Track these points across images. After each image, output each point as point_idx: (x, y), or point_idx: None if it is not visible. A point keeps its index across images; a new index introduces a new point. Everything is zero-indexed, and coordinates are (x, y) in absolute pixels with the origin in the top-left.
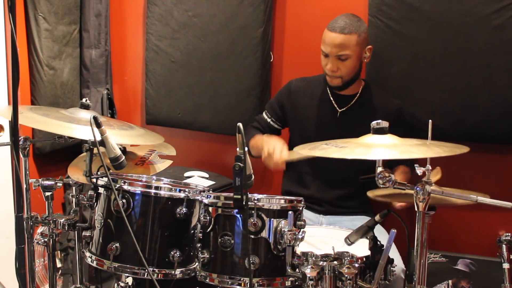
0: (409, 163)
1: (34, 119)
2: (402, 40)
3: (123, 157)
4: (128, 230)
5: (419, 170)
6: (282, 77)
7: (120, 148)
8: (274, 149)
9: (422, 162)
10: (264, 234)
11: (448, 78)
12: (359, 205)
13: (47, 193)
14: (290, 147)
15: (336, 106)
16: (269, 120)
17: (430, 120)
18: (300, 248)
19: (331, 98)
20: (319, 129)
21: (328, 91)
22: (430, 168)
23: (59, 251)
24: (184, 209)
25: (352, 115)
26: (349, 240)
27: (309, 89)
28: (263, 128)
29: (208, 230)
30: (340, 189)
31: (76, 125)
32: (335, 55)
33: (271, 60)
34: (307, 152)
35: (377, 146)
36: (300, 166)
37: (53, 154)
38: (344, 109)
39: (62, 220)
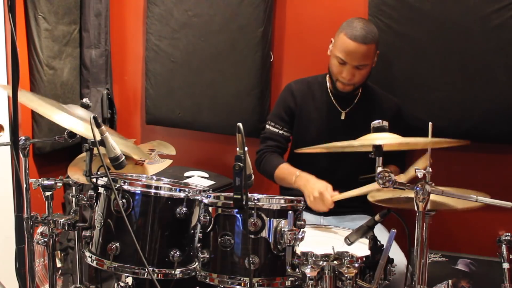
0: (400, 163)
1: (35, 102)
2: (402, 40)
3: (123, 157)
4: (128, 230)
5: (419, 173)
6: (282, 77)
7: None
8: (321, 192)
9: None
10: (264, 234)
11: (448, 78)
12: (360, 204)
13: (47, 193)
14: (290, 151)
15: (338, 107)
16: (281, 132)
17: (430, 123)
18: (300, 248)
19: (333, 100)
20: (323, 132)
21: (329, 92)
22: (431, 170)
23: (59, 251)
24: (184, 209)
25: (356, 115)
26: (349, 240)
27: (310, 91)
28: (277, 142)
29: (208, 230)
30: (340, 189)
31: (76, 119)
32: (355, 64)
33: (271, 60)
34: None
35: (379, 139)
36: (299, 168)
37: (53, 154)
38: (347, 110)
39: (62, 220)
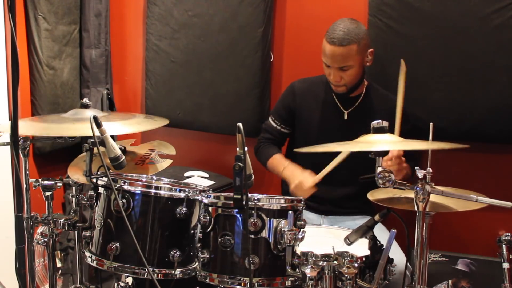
0: (412, 163)
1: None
2: (402, 40)
3: (123, 157)
4: (128, 230)
5: (420, 173)
6: (282, 77)
7: (120, 148)
8: (300, 182)
9: (423, 164)
10: (264, 234)
11: (448, 78)
12: (361, 205)
13: (47, 193)
14: (292, 150)
15: (341, 108)
16: (278, 127)
17: (431, 123)
18: (300, 248)
19: (336, 100)
20: (325, 131)
21: (333, 92)
22: (431, 171)
23: (59, 251)
24: (184, 209)
25: (358, 116)
26: (349, 240)
27: (312, 91)
28: (274, 136)
29: (208, 230)
30: (342, 189)
31: (77, 124)
32: (337, 67)
33: (271, 60)
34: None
35: (378, 143)
36: (301, 167)
37: (53, 154)
38: (350, 110)
39: (62, 220)
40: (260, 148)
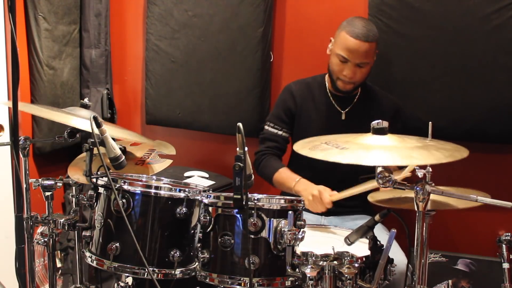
0: None
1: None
2: (402, 40)
3: (123, 157)
4: (128, 230)
5: (419, 172)
6: (282, 77)
7: (120, 148)
8: (320, 191)
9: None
10: (264, 234)
11: (448, 78)
12: (360, 204)
13: (47, 193)
14: (292, 152)
15: (338, 107)
16: (280, 132)
17: (430, 122)
18: (300, 248)
19: (332, 100)
20: (324, 132)
21: (329, 92)
22: (431, 170)
23: (59, 251)
24: (184, 209)
25: (356, 115)
26: (349, 240)
27: (309, 92)
28: (276, 142)
29: (208, 230)
30: (341, 189)
31: (77, 118)
32: (357, 62)
33: (271, 60)
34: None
35: (377, 148)
36: (300, 169)
37: (53, 154)
38: (347, 110)
39: (62, 220)
40: (262, 163)
